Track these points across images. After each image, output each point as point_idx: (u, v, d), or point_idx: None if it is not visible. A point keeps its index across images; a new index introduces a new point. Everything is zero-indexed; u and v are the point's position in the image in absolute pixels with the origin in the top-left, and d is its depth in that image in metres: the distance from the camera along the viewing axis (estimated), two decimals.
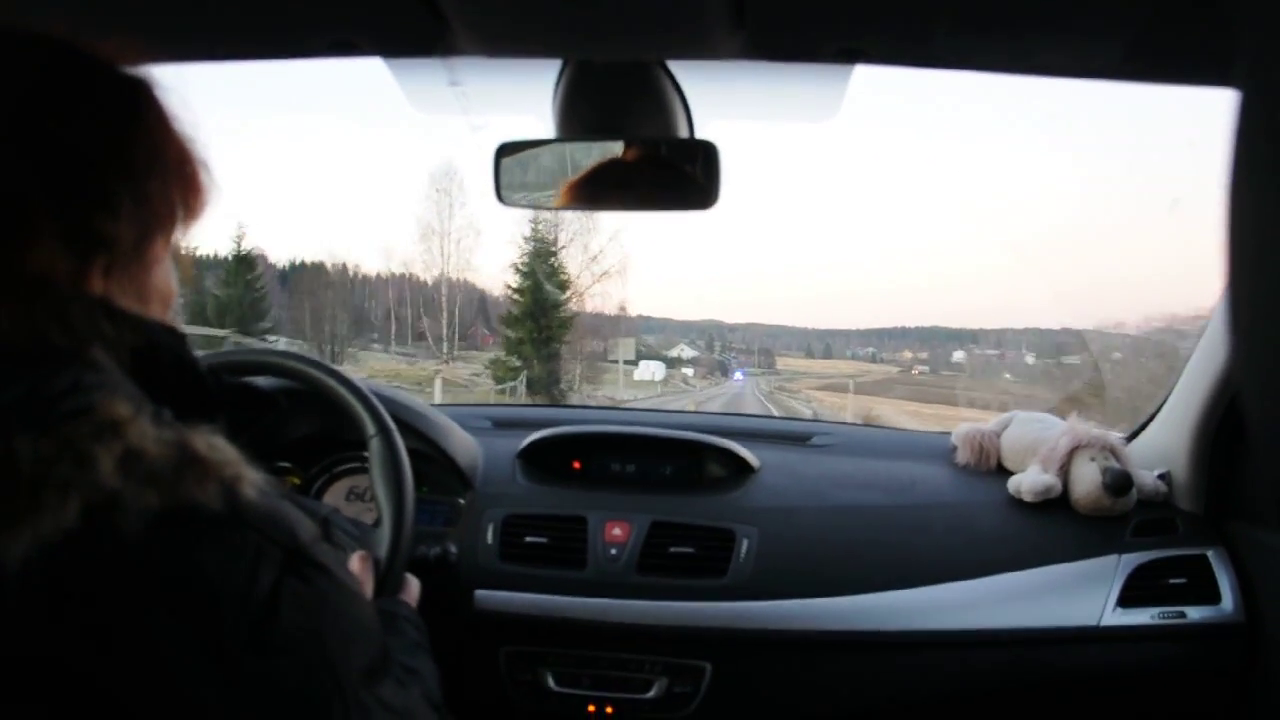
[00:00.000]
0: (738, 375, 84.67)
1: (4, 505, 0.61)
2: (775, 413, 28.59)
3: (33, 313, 0.71)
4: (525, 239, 37.02)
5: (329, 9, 1.16)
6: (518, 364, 33.82)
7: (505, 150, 1.49)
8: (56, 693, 0.60)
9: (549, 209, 1.50)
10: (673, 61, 1.39)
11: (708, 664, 1.73)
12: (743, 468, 2.02)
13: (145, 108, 0.82)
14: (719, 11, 1.08)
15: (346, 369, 1.64)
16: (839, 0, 1.07)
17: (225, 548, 0.66)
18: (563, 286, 36.98)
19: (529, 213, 30.54)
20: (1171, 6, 1.02)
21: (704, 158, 1.44)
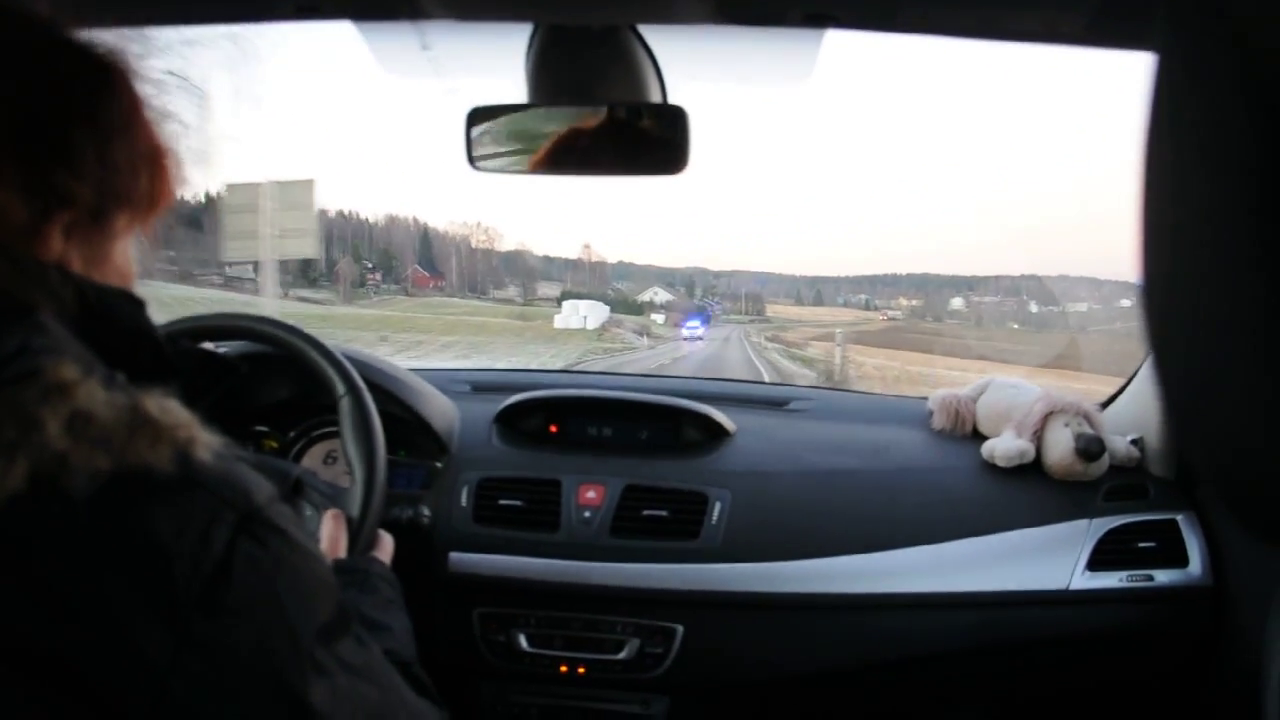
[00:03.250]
0: (690, 326, 59.89)
1: None
2: None
3: None
4: None
5: None
6: None
7: (477, 115, 1.48)
8: (6, 657, 0.61)
9: (520, 173, 1.49)
10: (644, 26, 1.38)
11: (679, 626, 1.75)
12: (719, 432, 2.03)
13: (120, 85, 0.83)
14: None
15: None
16: None
17: (177, 510, 0.67)
18: None
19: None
20: None
21: (674, 122, 1.44)
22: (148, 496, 0.66)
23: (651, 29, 1.39)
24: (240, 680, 0.67)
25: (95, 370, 0.71)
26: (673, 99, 1.47)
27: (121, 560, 0.64)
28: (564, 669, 1.76)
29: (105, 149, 0.80)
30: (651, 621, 1.75)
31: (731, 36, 1.29)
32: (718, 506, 1.81)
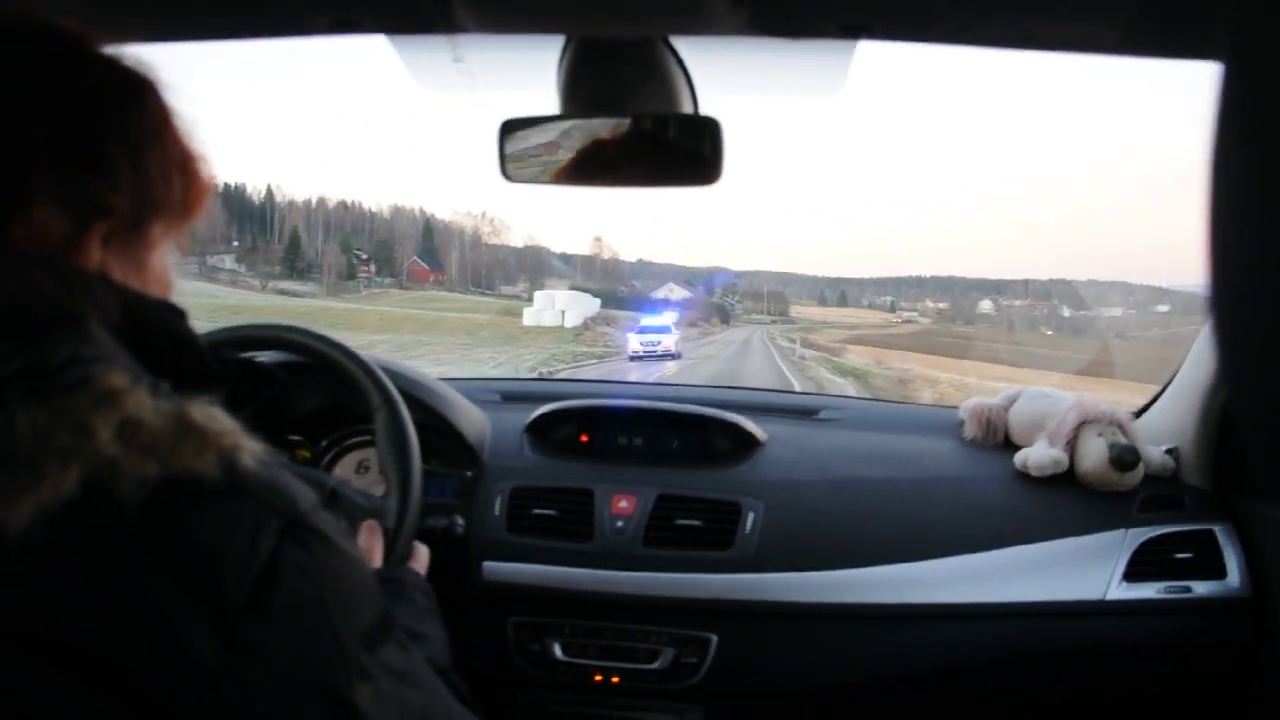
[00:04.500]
0: (647, 333, 34.35)
1: (6, 475, 0.62)
2: None
3: (32, 276, 0.72)
4: None
5: None
6: None
7: (509, 127, 1.49)
8: (59, 659, 0.62)
9: (552, 184, 1.50)
10: (676, 37, 1.39)
11: (713, 635, 1.75)
12: (750, 441, 2.03)
13: (148, 96, 0.84)
14: None
15: None
16: None
17: (224, 516, 0.68)
18: None
19: None
20: None
21: (707, 134, 1.44)
22: (196, 502, 0.67)
23: (683, 40, 1.39)
24: (287, 683, 0.68)
25: (141, 378, 0.72)
26: (703, 109, 1.47)
27: (171, 564, 0.65)
28: (598, 678, 1.76)
29: (138, 159, 0.81)
30: (685, 631, 1.76)
31: (763, 48, 1.29)
32: (750, 516, 1.81)
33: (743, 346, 44.49)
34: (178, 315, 0.85)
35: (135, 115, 0.82)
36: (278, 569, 0.68)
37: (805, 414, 2.30)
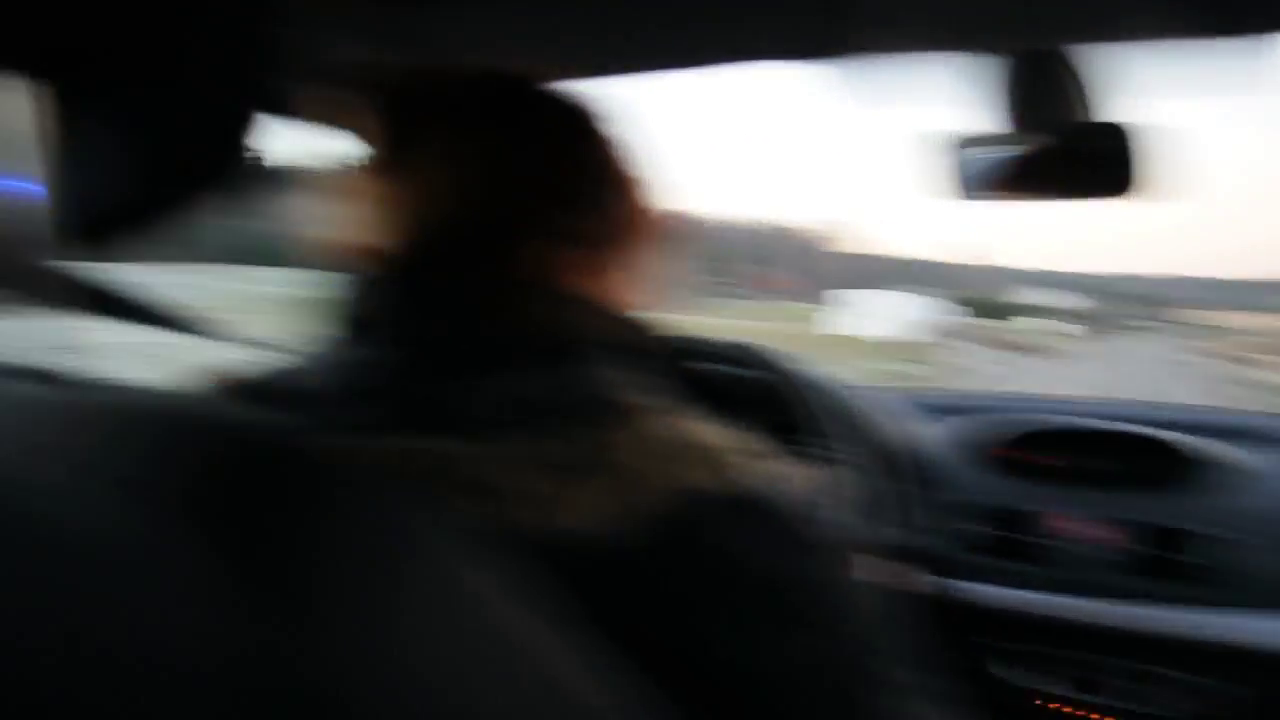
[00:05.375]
0: None
1: (542, 492, 0.70)
2: None
3: (539, 305, 0.81)
4: None
5: (738, 21, 1.23)
6: None
7: (963, 144, 1.51)
8: (620, 650, 0.67)
9: (988, 199, 1.49)
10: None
11: (1245, 689, 1.58)
12: (1234, 471, 1.80)
13: (593, 129, 0.92)
14: None
15: None
16: None
17: (744, 529, 0.72)
18: None
19: None
20: None
21: (1121, 141, 1.41)
22: (715, 516, 0.72)
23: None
24: (816, 694, 0.72)
25: (646, 398, 0.79)
26: (1111, 116, 1.43)
27: (699, 574, 0.70)
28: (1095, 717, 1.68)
29: (596, 190, 0.89)
30: (1202, 679, 1.62)
31: (1176, 49, 1.24)
32: (1258, 555, 1.64)
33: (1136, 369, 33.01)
34: (655, 336, 0.92)
35: (588, 148, 0.91)
36: (800, 582, 0.73)
37: None
